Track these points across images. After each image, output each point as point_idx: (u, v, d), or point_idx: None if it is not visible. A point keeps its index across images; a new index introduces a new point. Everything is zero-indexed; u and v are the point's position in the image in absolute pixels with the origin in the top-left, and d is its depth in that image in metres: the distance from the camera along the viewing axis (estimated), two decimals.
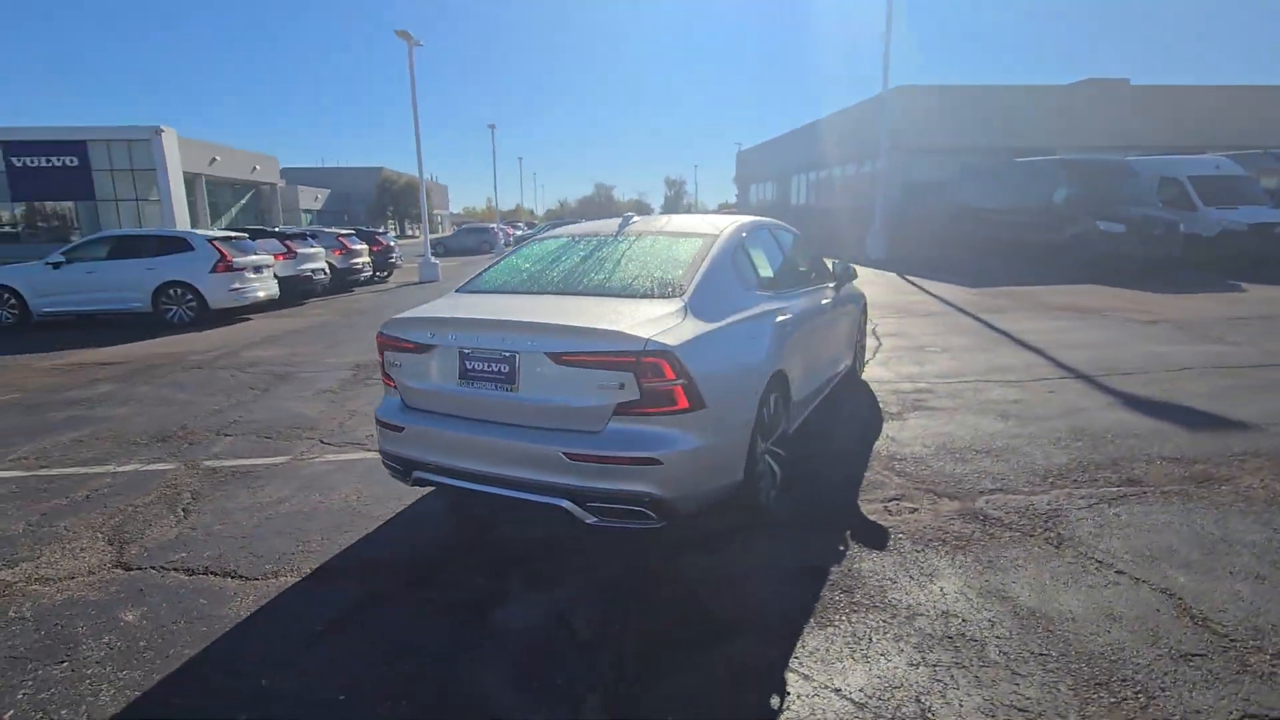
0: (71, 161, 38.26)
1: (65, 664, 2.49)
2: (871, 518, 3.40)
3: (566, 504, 2.77)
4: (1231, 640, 2.35)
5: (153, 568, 3.18)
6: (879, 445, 4.45)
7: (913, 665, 2.30)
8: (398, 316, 3.22)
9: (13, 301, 11.24)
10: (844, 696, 2.17)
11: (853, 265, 5.41)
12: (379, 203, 65.27)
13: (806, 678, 2.27)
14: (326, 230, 18.20)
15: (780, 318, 3.64)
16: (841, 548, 3.12)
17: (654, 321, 2.92)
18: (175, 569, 3.16)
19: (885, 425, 4.84)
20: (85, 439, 5.19)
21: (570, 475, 2.75)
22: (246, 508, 3.83)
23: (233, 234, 13.11)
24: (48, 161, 38.06)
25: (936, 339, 8.04)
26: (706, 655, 2.42)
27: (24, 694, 2.33)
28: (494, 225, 41.83)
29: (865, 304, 6.13)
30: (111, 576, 3.13)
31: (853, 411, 5.22)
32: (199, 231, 12.80)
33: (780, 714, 2.13)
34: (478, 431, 2.92)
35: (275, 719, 2.21)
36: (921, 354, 7.25)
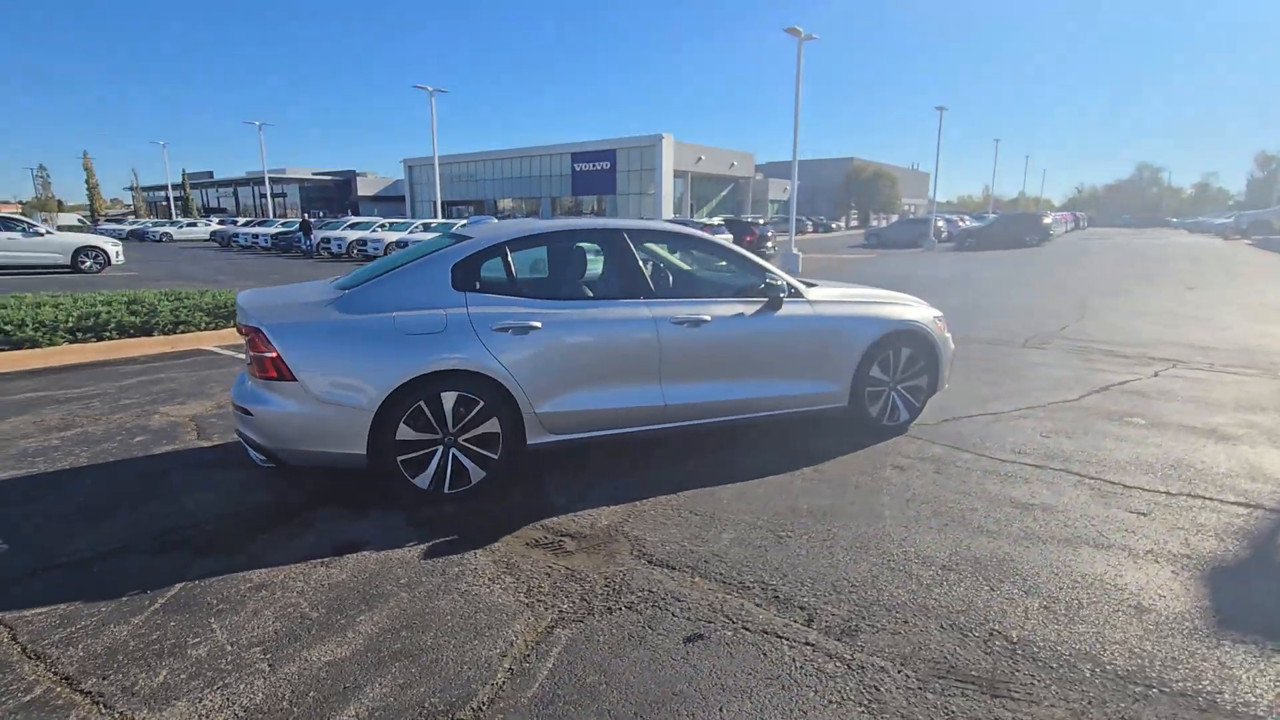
0: (606, 165, 50.55)
1: None
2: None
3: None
4: None
5: None
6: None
7: None
8: None
9: None
10: None
11: (792, 285, 4.23)
12: (845, 193, 66.79)
13: None
14: (694, 221, 20.59)
15: (497, 325, 3.49)
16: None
17: (297, 307, 3.41)
18: None
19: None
20: None
21: (238, 421, 3.55)
22: None
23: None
24: (592, 166, 51.10)
25: None
26: None
27: None
28: (935, 216, 38.73)
29: (898, 330, 4.40)
30: None
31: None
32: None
33: None
34: None
35: None
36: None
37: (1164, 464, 4.05)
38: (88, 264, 17.64)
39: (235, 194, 72.60)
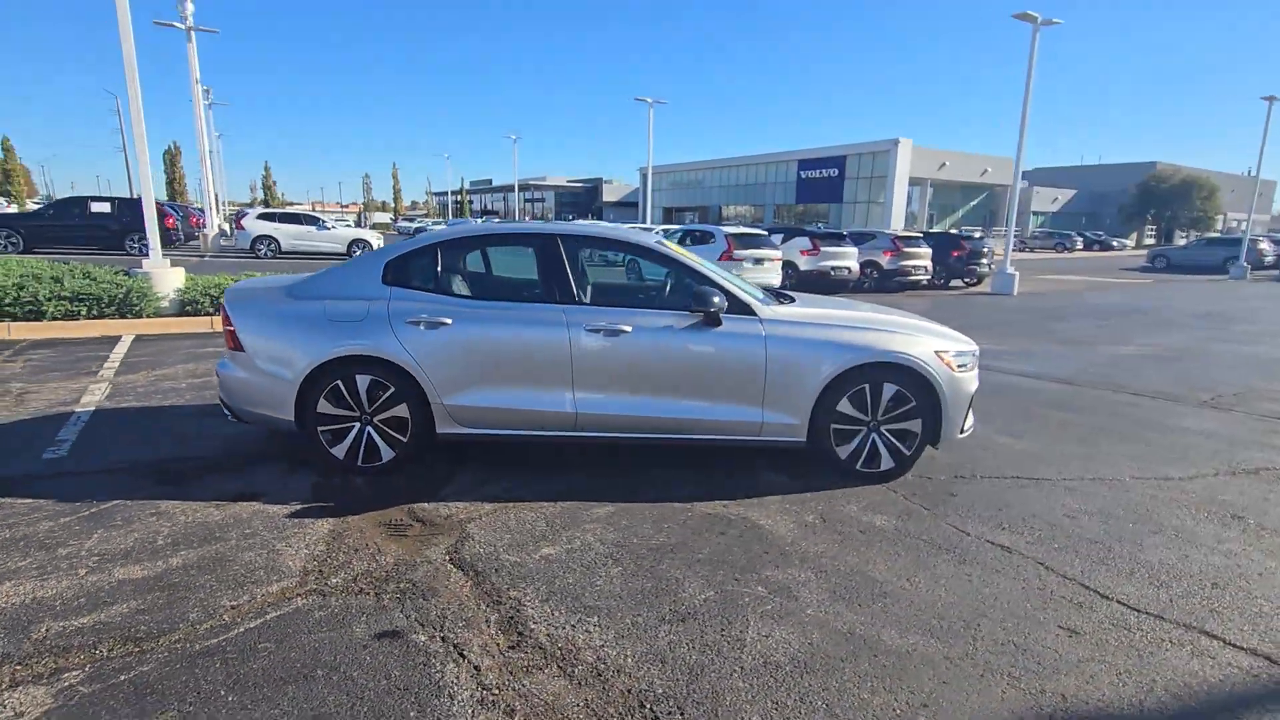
0: (833, 172, 48.67)
1: None
2: None
3: None
4: None
5: None
6: None
7: None
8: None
9: None
10: None
11: (742, 301, 3.86)
12: (1140, 204, 55.85)
13: None
14: (885, 232, 18.82)
15: (410, 318, 3.77)
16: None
17: (260, 291, 4.05)
18: None
19: None
20: None
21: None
22: None
23: (752, 231, 15.95)
24: (820, 173, 49.55)
25: None
26: None
27: None
28: (1255, 234, 30.98)
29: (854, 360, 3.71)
30: None
31: None
32: (726, 229, 16.11)
33: None
34: None
35: None
36: None
37: (1196, 580, 2.98)
38: (358, 253, 21.82)
39: (504, 198, 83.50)
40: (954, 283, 19.88)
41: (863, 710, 2.09)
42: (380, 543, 3.11)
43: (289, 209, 23.68)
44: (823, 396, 3.90)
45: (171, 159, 43.94)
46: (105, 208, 18.11)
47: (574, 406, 3.87)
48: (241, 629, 2.42)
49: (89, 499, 3.46)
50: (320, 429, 3.85)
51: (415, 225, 52.59)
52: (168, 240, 18.71)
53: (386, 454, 3.89)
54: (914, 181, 46.03)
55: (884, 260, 17.64)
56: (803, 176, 49.85)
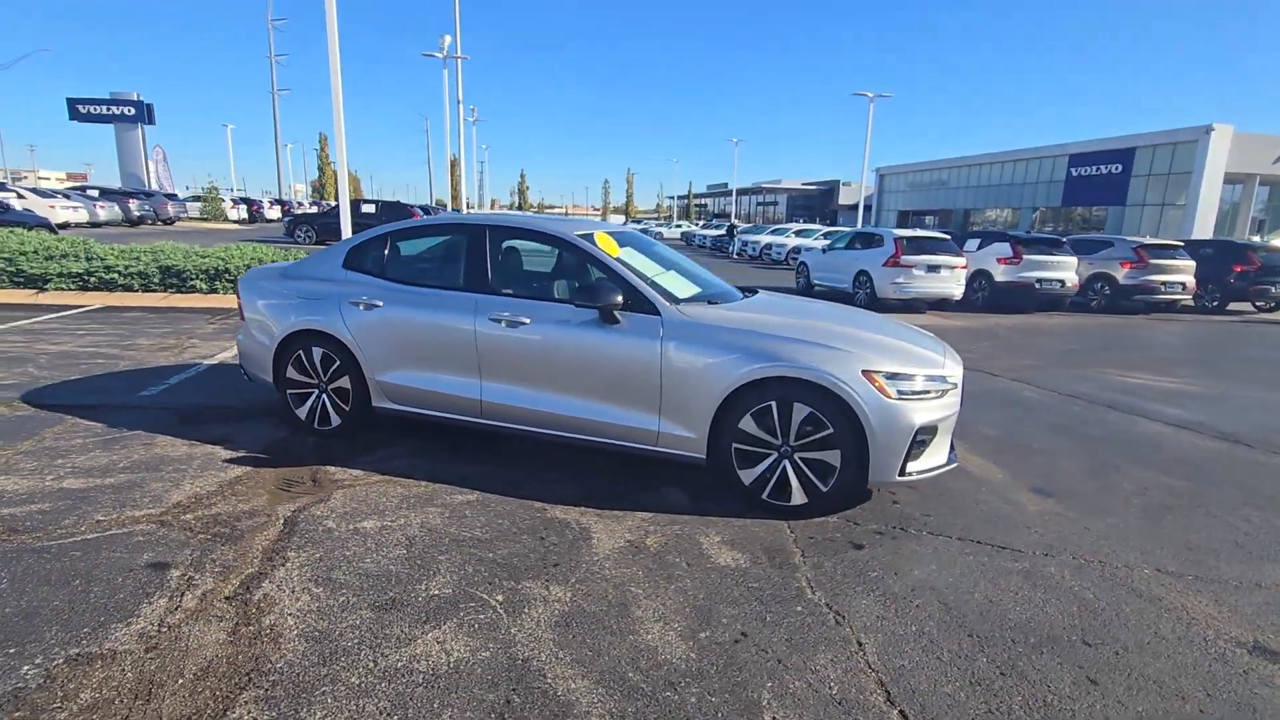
0: (1116, 169, 41.09)
1: None
2: None
3: None
4: None
5: None
6: None
7: None
8: None
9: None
10: None
11: (648, 299, 3.56)
12: None
13: None
14: (1126, 239, 15.10)
15: (353, 299, 4.14)
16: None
17: (265, 272, 4.73)
18: None
19: None
20: None
21: None
22: None
23: (929, 235, 13.99)
24: (1096, 170, 42.18)
25: None
26: None
27: None
28: None
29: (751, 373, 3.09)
30: None
31: None
32: (899, 232, 14.30)
33: None
34: None
35: None
36: None
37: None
38: None
39: (736, 201, 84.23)
40: (1233, 305, 15.56)
41: None
42: (260, 493, 3.53)
43: (517, 213, 26.58)
44: (723, 410, 3.48)
45: (451, 168, 52.28)
46: (370, 209, 22.23)
47: (480, 394, 3.96)
48: (77, 538, 2.96)
49: (121, 428, 4.42)
50: (289, 392, 4.45)
51: (639, 227, 55.60)
52: None
53: (335, 420, 4.36)
54: (1233, 179, 36.78)
55: (1120, 273, 14.47)
56: (1074, 174, 42.61)
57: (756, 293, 4.59)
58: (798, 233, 27.26)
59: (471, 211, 24.87)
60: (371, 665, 2.21)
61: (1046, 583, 2.92)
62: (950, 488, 3.96)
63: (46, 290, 9.43)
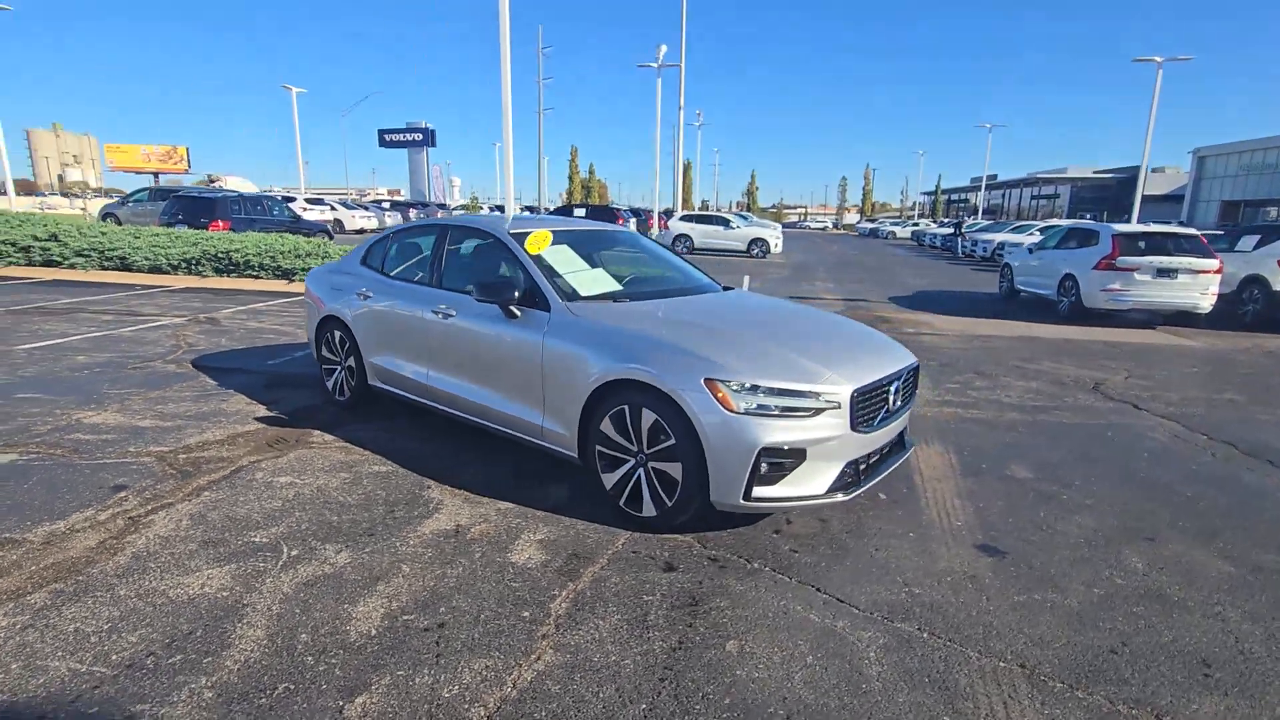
0: None
1: None
2: None
3: None
4: None
5: None
6: None
7: None
8: None
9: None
10: None
11: (543, 295, 3.58)
12: None
13: None
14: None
15: (358, 290, 4.78)
16: None
17: (322, 268, 5.62)
18: None
19: None
20: None
21: None
22: None
23: (1170, 231, 10.83)
24: None
25: None
26: None
27: None
28: None
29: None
30: None
31: None
32: (1119, 227, 11.24)
33: None
34: None
35: None
36: None
37: None
38: (755, 251, 23.58)
39: (1004, 195, 74.13)
40: None
41: None
42: (246, 446, 4.34)
43: (713, 212, 26.91)
44: (588, 410, 3.43)
45: (685, 172, 54.59)
46: (581, 213, 24.26)
47: (428, 379, 4.36)
48: (99, 461, 3.98)
49: (222, 387, 5.68)
50: (323, 367, 5.32)
51: (872, 226, 52.22)
52: None
53: (347, 394, 5.11)
54: None
55: None
56: None
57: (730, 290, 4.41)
58: (1044, 230, 23.35)
59: (685, 212, 25.74)
60: (146, 585, 2.70)
61: (845, 655, 2.39)
62: (876, 528, 3.35)
63: (294, 281, 12.13)
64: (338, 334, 5.05)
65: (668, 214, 27.10)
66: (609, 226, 5.07)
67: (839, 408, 3.03)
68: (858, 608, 2.68)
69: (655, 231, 26.83)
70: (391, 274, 4.85)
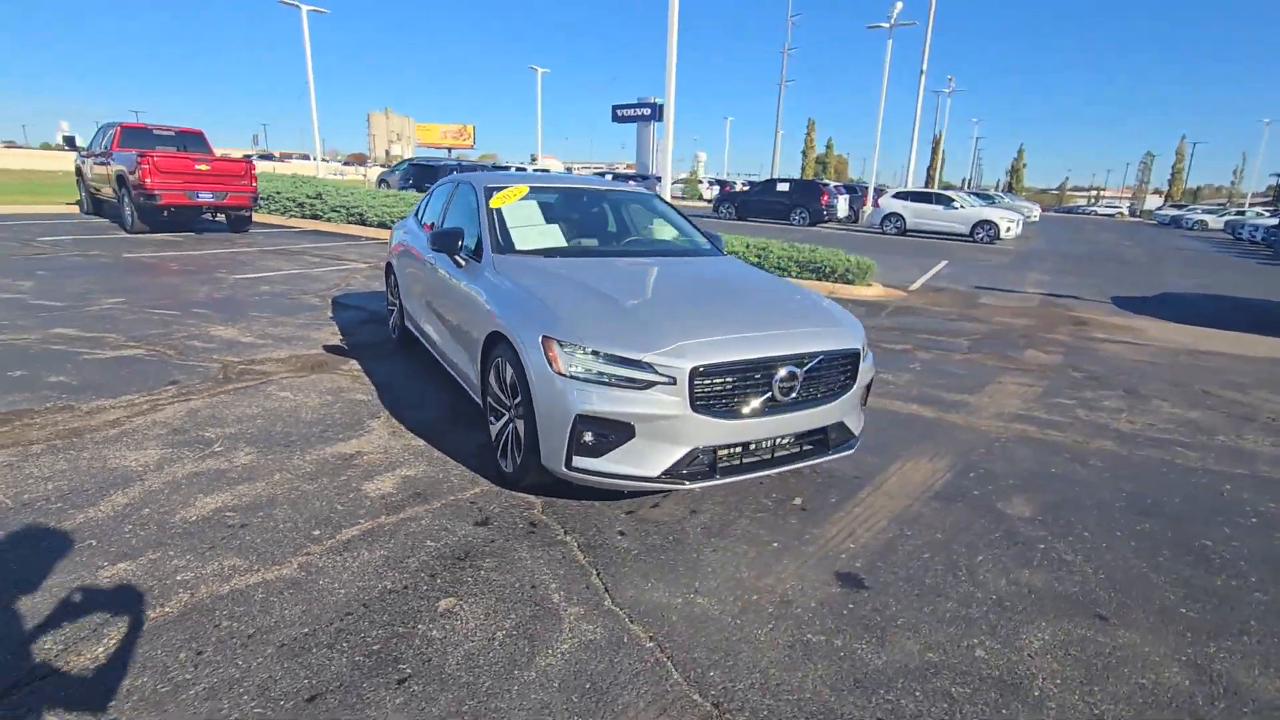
0: None
1: None
2: None
3: None
4: None
5: None
6: None
7: None
8: None
9: None
10: None
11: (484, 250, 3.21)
12: None
13: None
14: None
15: (401, 238, 5.24)
16: None
17: (404, 219, 6.26)
18: None
19: None
20: None
21: None
22: None
23: None
24: None
25: None
26: None
27: None
28: None
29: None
30: None
31: None
32: None
33: None
34: None
35: None
36: None
37: None
38: (980, 235, 20.67)
39: None
40: None
41: None
42: (291, 365, 5.12)
43: (936, 191, 24.16)
44: (484, 359, 3.49)
45: (934, 147, 48.80)
46: (784, 187, 23.33)
47: (421, 324, 4.74)
48: (187, 362, 5.01)
49: (332, 320, 6.70)
50: (388, 307, 6.02)
51: (1175, 214, 42.39)
52: (819, 217, 22.69)
53: (396, 333, 5.73)
54: None
55: None
56: None
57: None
58: None
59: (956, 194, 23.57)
60: (102, 452, 3.40)
61: (542, 639, 2.19)
62: (744, 532, 2.93)
63: None
64: (392, 277, 5.66)
65: (879, 191, 24.86)
66: (619, 186, 4.93)
67: (673, 383, 2.69)
68: (615, 601, 2.40)
69: (867, 209, 24.83)
70: (422, 224, 5.28)
